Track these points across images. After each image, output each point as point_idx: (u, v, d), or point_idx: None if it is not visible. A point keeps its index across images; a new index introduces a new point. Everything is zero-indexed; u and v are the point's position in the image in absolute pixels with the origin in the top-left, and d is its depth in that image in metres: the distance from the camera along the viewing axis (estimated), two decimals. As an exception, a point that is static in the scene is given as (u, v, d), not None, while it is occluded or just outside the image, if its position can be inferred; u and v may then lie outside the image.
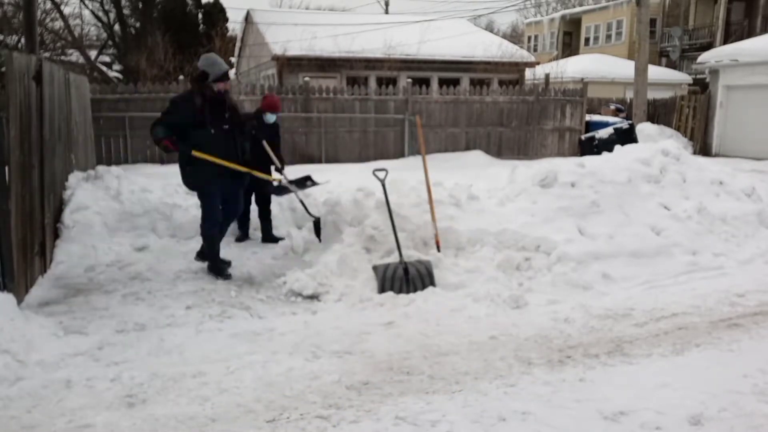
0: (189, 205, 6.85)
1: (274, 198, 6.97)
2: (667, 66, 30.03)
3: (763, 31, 23.80)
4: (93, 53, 25.98)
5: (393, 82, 18.38)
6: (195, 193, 5.90)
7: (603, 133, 14.76)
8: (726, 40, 24.99)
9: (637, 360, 3.96)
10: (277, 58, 18.68)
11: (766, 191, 7.52)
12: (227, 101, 5.59)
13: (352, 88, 14.49)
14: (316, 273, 5.30)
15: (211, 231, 5.61)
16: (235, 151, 5.61)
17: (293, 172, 9.70)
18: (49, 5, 21.63)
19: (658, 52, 30.57)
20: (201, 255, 5.79)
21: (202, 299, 4.98)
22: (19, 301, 4.52)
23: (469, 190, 6.53)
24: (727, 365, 3.88)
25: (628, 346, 4.18)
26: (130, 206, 6.71)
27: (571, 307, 4.87)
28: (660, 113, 18.88)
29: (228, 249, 6.47)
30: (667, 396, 3.44)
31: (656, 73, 24.11)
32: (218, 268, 5.62)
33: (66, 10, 23.65)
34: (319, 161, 13.69)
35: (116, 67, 27.62)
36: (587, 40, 33.82)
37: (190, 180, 5.55)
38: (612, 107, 18.40)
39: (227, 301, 4.97)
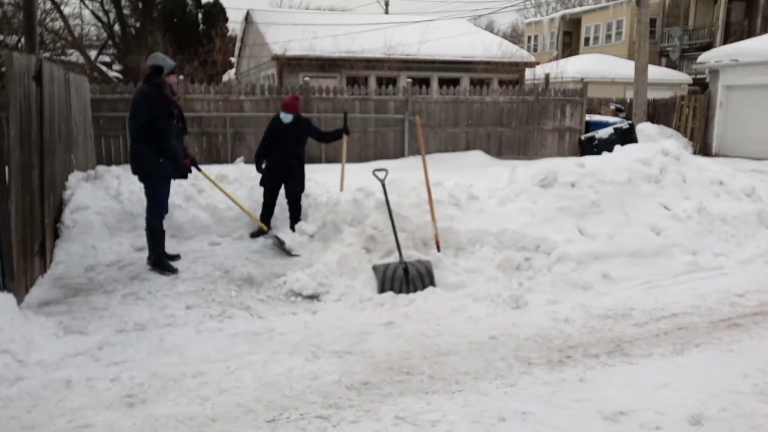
0: (189, 205, 6.86)
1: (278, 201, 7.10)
2: (667, 66, 30.03)
3: (763, 31, 23.80)
4: (93, 53, 25.99)
5: (393, 82, 18.38)
6: (148, 186, 5.87)
7: (603, 133, 14.76)
8: (726, 40, 25.00)
9: (637, 360, 3.96)
10: (277, 58, 18.68)
11: (766, 191, 7.52)
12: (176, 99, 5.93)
13: (352, 88, 14.48)
14: (316, 273, 5.29)
15: (161, 223, 5.72)
16: (183, 146, 5.94)
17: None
18: (49, 5, 21.64)
19: (658, 52, 30.56)
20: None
21: (202, 299, 4.98)
22: (19, 301, 4.51)
23: (469, 190, 6.53)
24: (727, 365, 3.88)
25: (628, 346, 4.17)
26: (130, 206, 6.71)
27: (571, 307, 4.87)
28: (660, 113, 18.88)
29: (228, 248, 6.48)
30: (667, 396, 3.44)
31: (656, 73, 24.12)
32: (166, 264, 5.68)
33: (66, 10, 23.68)
34: (319, 161, 13.68)
35: (116, 67, 27.64)
36: (587, 40, 33.82)
37: (155, 169, 5.57)
38: (612, 107, 18.40)
39: (227, 301, 4.97)
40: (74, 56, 23.68)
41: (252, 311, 4.78)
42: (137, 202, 6.74)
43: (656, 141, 10.03)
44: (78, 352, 3.96)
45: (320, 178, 7.33)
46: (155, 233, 5.71)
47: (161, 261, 5.68)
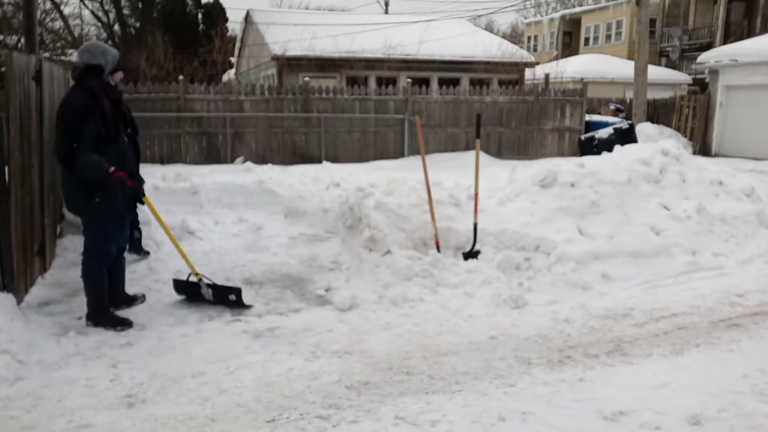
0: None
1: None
2: (666, 66, 30.05)
3: (763, 31, 23.81)
4: (93, 53, 25.93)
5: (393, 82, 18.39)
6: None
7: (603, 133, 14.76)
8: (726, 40, 25.00)
9: (637, 360, 3.96)
10: (277, 58, 18.69)
11: (765, 191, 7.52)
12: (123, 100, 4.48)
13: (352, 88, 14.48)
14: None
15: (103, 271, 4.43)
16: (138, 165, 4.80)
17: (292, 172, 9.66)
18: (49, 5, 21.71)
19: (658, 52, 30.58)
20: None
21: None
22: (19, 301, 4.51)
23: (468, 190, 6.53)
24: (727, 365, 3.88)
25: (628, 346, 4.18)
26: (130, 206, 6.70)
27: (571, 307, 4.87)
28: (660, 113, 18.89)
29: (228, 247, 6.47)
30: (667, 396, 3.44)
31: (656, 73, 24.14)
32: (111, 317, 4.43)
33: (66, 10, 23.80)
34: (319, 161, 13.69)
35: (116, 67, 27.58)
36: (587, 40, 33.84)
37: (95, 211, 4.26)
38: (612, 107, 18.40)
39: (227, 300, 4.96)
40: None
41: (252, 311, 4.78)
42: (137, 202, 6.74)
43: (656, 141, 10.02)
44: (78, 352, 3.96)
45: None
46: (100, 283, 4.43)
47: (105, 311, 4.47)
